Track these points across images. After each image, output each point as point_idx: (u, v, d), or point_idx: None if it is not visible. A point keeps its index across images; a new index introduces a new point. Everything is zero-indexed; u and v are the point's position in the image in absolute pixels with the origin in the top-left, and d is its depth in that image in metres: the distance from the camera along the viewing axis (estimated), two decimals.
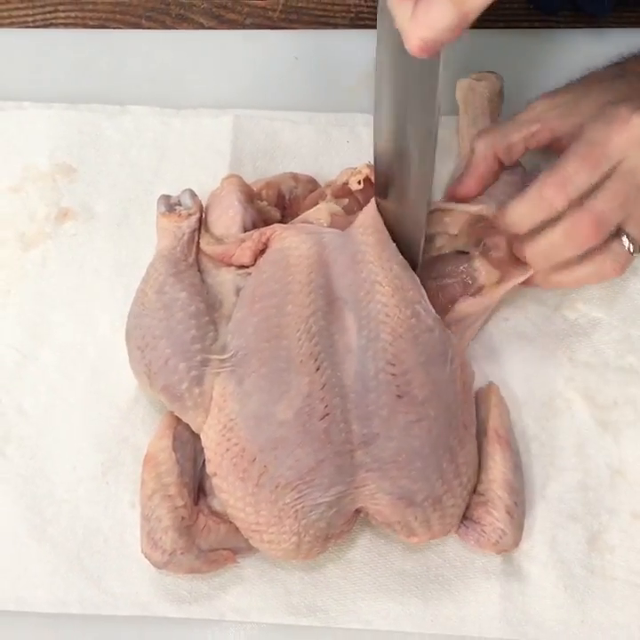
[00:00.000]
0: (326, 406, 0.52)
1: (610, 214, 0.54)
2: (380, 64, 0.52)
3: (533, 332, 0.62)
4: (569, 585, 0.57)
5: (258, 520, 0.53)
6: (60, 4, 0.73)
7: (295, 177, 0.63)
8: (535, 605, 0.57)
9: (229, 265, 0.59)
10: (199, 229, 0.60)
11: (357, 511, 0.54)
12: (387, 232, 0.57)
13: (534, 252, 0.56)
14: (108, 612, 0.56)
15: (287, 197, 0.62)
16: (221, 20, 0.73)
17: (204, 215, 0.61)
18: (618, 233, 0.55)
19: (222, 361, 0.54)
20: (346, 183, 0.60)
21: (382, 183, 0.57)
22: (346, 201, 0.60)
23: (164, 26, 0.73)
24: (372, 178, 0.59)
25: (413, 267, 0.57)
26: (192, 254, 0.59)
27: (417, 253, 0.57)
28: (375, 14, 0.70)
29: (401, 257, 0.57)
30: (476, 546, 0.55)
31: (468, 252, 0.59)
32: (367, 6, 0.73)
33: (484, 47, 0.70)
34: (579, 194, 0.53)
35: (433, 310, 0.56)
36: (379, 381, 0.53)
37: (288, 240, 0.57)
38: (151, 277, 0.58)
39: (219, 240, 0.59)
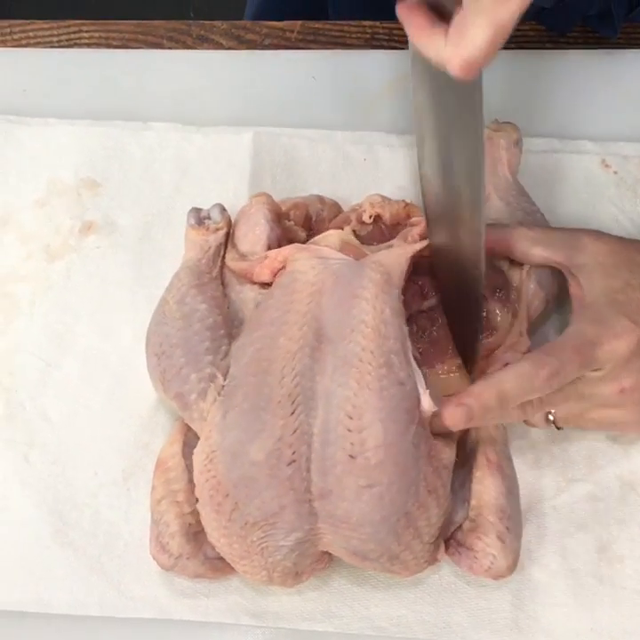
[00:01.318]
0: (294, 453, 0.50)
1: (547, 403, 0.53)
2: (418, 107, 0.52)
3: None
4: (579, 594, 0.56)
5: (231, 552, 0.52)
6: (84, 24, 0.73)
7: (322, 200, 0.63)
8: (545, 613, 0.56)
9: (252, 282, 0.58)
10: (226, 244, 0.60)
11: (327, 552, 0.53)
12: (399, 276, 0.55)
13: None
14: (128, 615, 0.56)
15: (313, 219, 0.62)
16: (241, 41, 0.73)
17: (232, 231, 0.61)
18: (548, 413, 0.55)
19: (222, 386, 0.53)
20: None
21: (434, 225, 0.56)
22: (370, 228, 0.60)
23: (185, 46, 0.72)
24: (384, 215, 0.59)
25: (476, 301, 0.55)
26: (217, 268, 0.59)
27: (478, 286, 0.55)
28: (390, 36, 0.72)
29: (400, 305, 0.54)
30: (469, 572, 0.54)
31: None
32: (382, 27, 0.72)
33: (496, 68, 0.68)
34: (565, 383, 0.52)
35: (414, 365, 0.52)
36: (337, 435, 0.50)
37: (299, 263, 0.55)
38: (174, 287, 0.58)
39: (243, 256, 0.59)
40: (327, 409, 0.51)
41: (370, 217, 0.59)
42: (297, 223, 0.61)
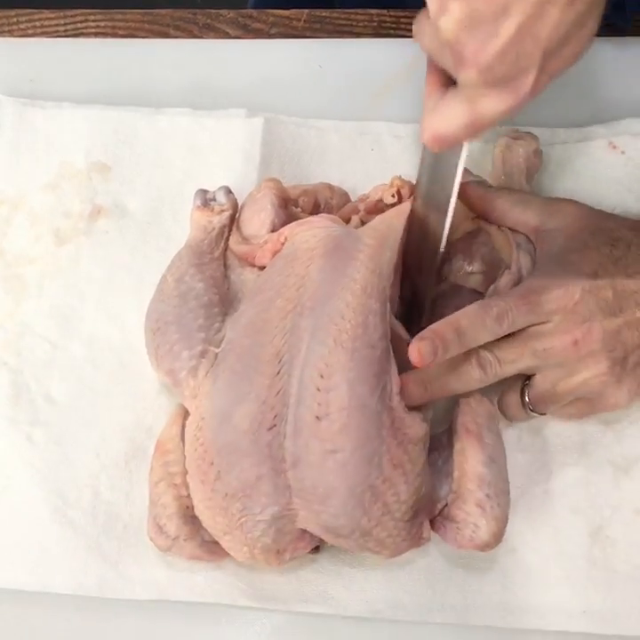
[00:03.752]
0: (275, 416, 0.48)
1: (503, 362, 0.51)
2: None
3: None
4: (571, 577, 0.55)
5: (215, 526, 0.50)
6: (90, 13, 0.71)
7: (331, 188, 0.61)
8: (538, 596, 0.54)
9: (253, 265, 0.57)
10: (230, 226, 0.59)
11: (307, 531, 0.51)
12: (394, 238, 0.54)
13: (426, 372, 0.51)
14: (125, 596, 0.55)
15: (322, 207, 0.60)
16: (247, 30, 0.70)
17: (238, 214, 0.59)
18: (523, 385, 0.53)
19: (216, 355, 0.52)
20: (379, 200, 0.58)
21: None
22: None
23: (192, 35, 0.70)
24: (402, 190, 0.57)
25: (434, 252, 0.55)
26: (219, 249, 0.58)
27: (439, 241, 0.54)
28: (397, 24, 0.70)
29: (390, 271, 0.53)
30: (455, 545, 0.51)
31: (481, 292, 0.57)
32: (390, 16, 0.70)
33: None
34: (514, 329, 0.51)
35: (387, 330, 0.51)
36: (308, 394, 0.48)
37: (300, 235, 0.54)
38: (174, 265, 0.57)
39: (246, 240, 0.58)
40: (304, 367, 0.49)
41: (392, 196, 0.57)
42: (305, 210, 0.60)
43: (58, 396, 0.59)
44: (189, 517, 0.52)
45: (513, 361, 0.51)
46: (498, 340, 0.51)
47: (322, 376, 0.48)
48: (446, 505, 0.52)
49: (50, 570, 0.55)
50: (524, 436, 0.57)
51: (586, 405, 0.54)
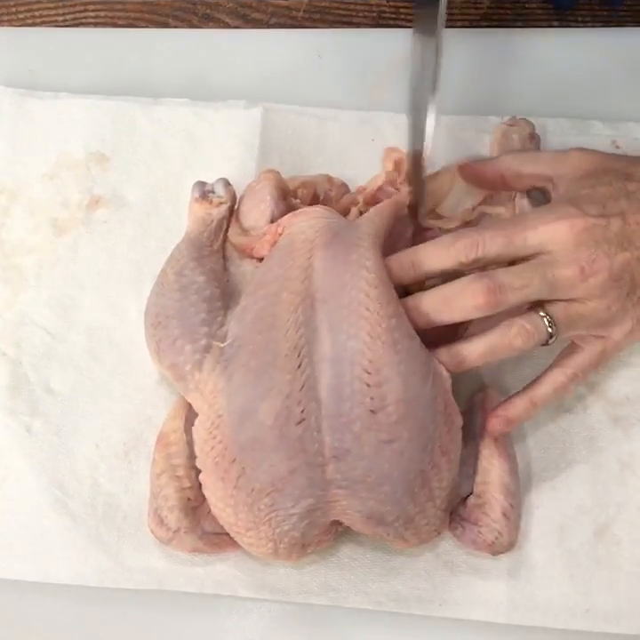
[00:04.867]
0: (303, 411, 0.48)
1: (509, 289, 0.50)
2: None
3: None
4: (575, 575, 0.55)
5: (237, 522, 0.50)
6: (90, 3, 0.70)
7: (330, 180, 0.61)
8: (542, 593, 0.55)
9: (251, 257, 0.57)
10: (229, 218, 0.59)
11: (335, 522, 0.51)
12: (383, 232, 0.54)
13: (425, 301, 0.51)
14: (125, 586, 0.55)
15: (321, 198, 0.60)
16: (246, 20, 0.70)
17: (237, 205, 0.59)
18: (536, 308, 0.52)
19: (221, 349, 0.51)
20: (377, 190, 0.58)
21: None
22: None
23: (191, 25, 0.70)
24: (400, 166, 0.58)
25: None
26: (218, 241, 0.58)
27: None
28: (397, 14, 0.70)
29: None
30: (472, 547, 0.53)
31: None
32: (389, 6, 0.70)
33: (504, 46, 0.67)
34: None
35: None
36: (353, 390, 0.48)
37: (296, 226, 0.54)
38: (174, 259, 0.57)
39: (245, 231, 0.58)
40: (338, 363, 0.48)
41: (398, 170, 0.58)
42: (304, 202, 0.59)
43: (57, 387, 0.59)
44: (190, 509, 0.52)
45: (522, 287, 0.50)
46: (508, 267, 0.51)
47: (368, 372, 0.48)
48: (461, 503, 0.53)
49: (49, 560, 0.55)
50: (531, 432, 0.57)
51: (599, 342, 0.53)
